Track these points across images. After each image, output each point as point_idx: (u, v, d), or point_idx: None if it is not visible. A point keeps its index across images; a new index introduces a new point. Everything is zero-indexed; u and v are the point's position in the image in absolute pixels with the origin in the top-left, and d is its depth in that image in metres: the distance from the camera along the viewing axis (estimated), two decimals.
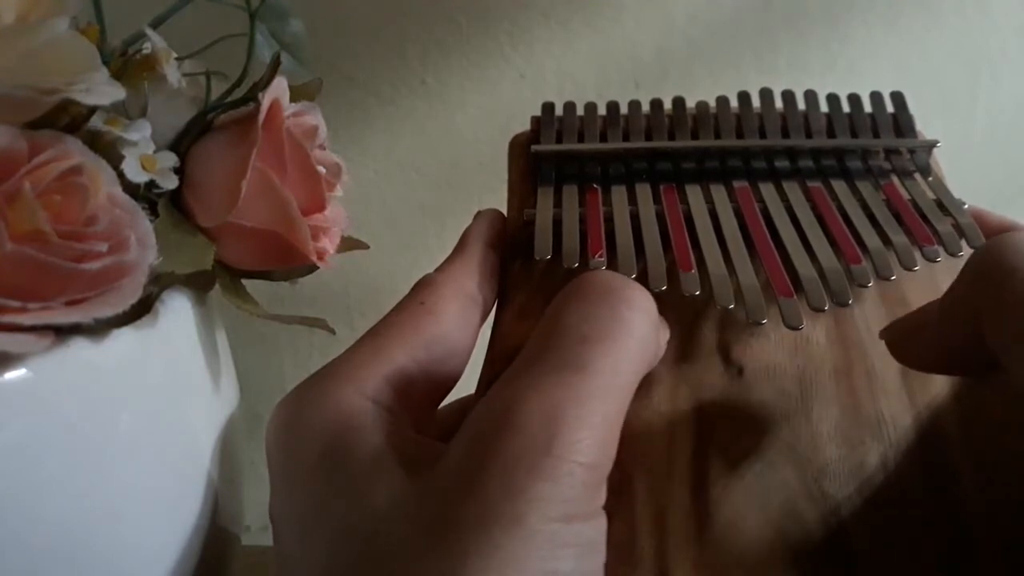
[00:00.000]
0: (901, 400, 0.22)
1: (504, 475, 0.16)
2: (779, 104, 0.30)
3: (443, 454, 0.18)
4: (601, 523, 0.18)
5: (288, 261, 0.27)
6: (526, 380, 0.18)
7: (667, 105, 0.30)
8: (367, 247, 0.31)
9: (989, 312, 0.18)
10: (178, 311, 0.25)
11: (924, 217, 0.26)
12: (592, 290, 0.20)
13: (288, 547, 0.19)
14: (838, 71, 0.47)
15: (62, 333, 0.21)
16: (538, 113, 0.30)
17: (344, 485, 0.18)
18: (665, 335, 0.23)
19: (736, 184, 0.27)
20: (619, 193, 0.27)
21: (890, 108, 0.30)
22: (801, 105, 0.30)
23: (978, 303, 0.18)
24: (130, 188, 0.23)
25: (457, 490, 0.17)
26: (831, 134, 0.29)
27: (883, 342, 0.22)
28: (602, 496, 0.18)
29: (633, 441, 0.21)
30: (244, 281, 0.28)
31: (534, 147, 0.29)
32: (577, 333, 0.19)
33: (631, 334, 0.19)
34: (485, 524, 0.16)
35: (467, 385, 0.24)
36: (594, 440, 0.17)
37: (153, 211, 0.24)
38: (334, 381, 0.20)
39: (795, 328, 0.22)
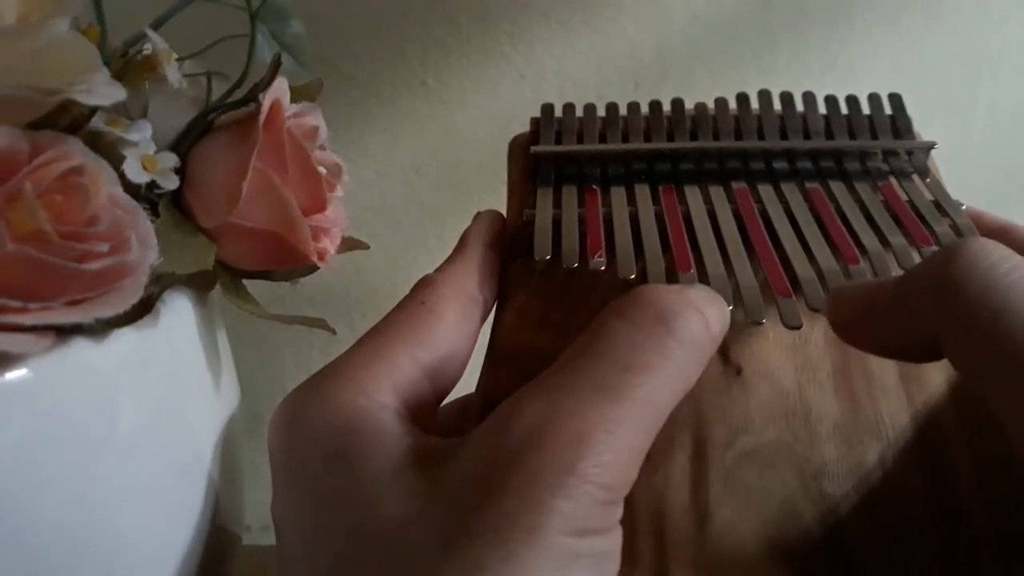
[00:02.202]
0: (899, 399, 0.22)
1: (524, 488, 0.16)
2: (777, 106, 0.30)
3: (453, 454, 0.18)
4: (616, 535, 0.18)
5: (288, 261, 0.27)
6: (560, 396, 0.18)
7: (666, 107, 0.30)
8: (367, 247, 0.31)
9: (951, 336, 0.18)
10: (179, 311, 0.25)
11: (922, 218, 0.26)
12: (645, 313, 0.19)
13: (291, 547, 0.19)
14: (838, 71, 0.47)
15: (62, 333, 0.21)
16: (538, 114, 0.30)
17: (350, 487, 0.18)
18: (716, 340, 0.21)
19: (735, 185, 0.27)
20: (618, 194, 0.27)
21: (888, 110, 0.30)
22: (799, 107, 0.30)
23: (938, 322, 0.18)
24: (131, 188, 0.23)
25: (473, 497, 0.17)
26: (829, 136, 0.29)
27: None
28: (619, 512, 0.18)
29: None
30: (244, 281, 0.28)
31: (533, 148, 0.29)
32: (620, 360, 0.18)
33: (674, 368, 0.19)
34: (501, 533, 0.16)
35: (467, 384, 0.24)
36: (618, 464, 0.17)
37: (154, 211, 0.24)
38: (336, 381, 0.20)
39: (794, 328, 0.22)
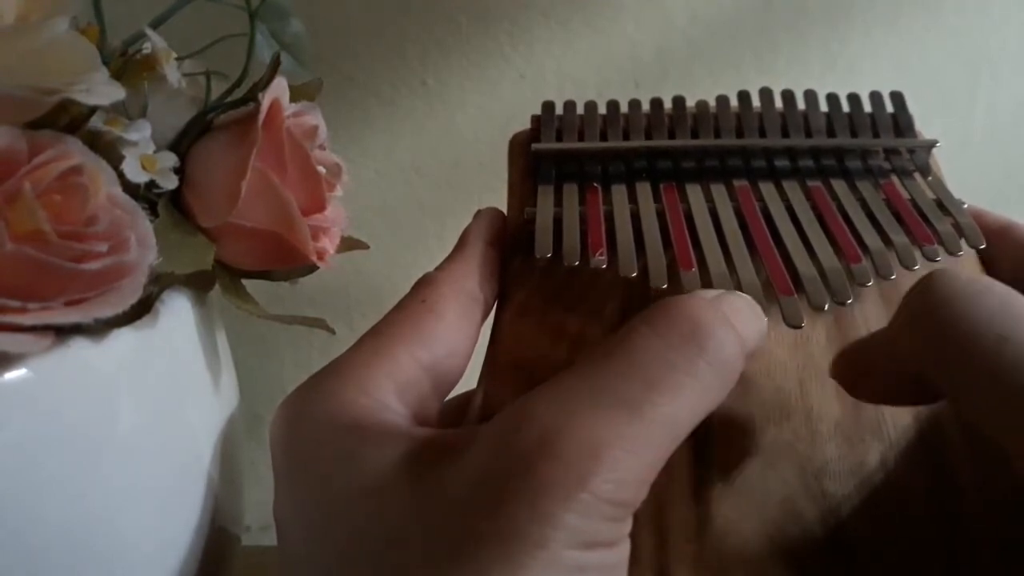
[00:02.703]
0: None
1: (534, 498, 0.16)
2: (779, 104, 0.30)
3: (460, 454, 0.18)
4: (625, 548, 0.17)
5: (288, 261, 0.27)
6: (577, 405, 0.17)
7: (667, 104, 0.30)
8: (367, 247, 0.31)
9: (946, 371, 0.18)
10: (178, 311, 0.25)
11: (924, 216, 0.26)
12: (676, 327, 0.18)
13: (293, 547, 0.19)
14: (838, 71, 0.47)
15: (62, 333, 0.21)
16: (538, 112, 0.30)
17: (352, 487, 0.18)
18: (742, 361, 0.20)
19: (736, 183, 0.27)
20: (619, 192, 0.27)
21: (889, 108, 0.30)
22: (801, 105, 0.30)
23: (932, 361, 0.18)
24: (130, 188, 0.23)
25: (481, 502, 0.16)
26: (831, 133, 0.29)
27: None
28: (628, 525, 0.17)
29: None
30: (244, 281, 0.28)
31: (534, 146, 0.28)
32: (645, 375, 0.18)
33: (701, 390, 0.18)
34: (507, 544, 0.16)
35: (467, 383, 0.24)
36: (632, 481, 0.17)
37: (153, 211, 0.24)
38: (337, 380, 0.20)
39: (796, 327, 0.22)
